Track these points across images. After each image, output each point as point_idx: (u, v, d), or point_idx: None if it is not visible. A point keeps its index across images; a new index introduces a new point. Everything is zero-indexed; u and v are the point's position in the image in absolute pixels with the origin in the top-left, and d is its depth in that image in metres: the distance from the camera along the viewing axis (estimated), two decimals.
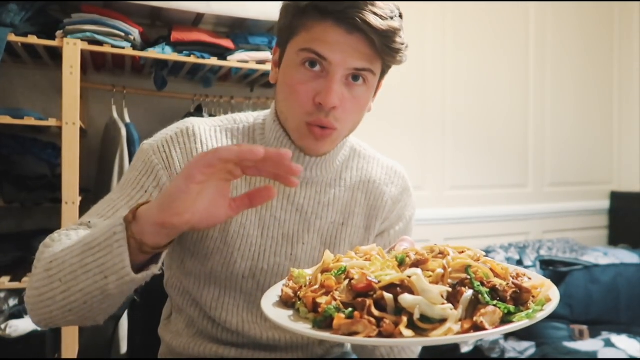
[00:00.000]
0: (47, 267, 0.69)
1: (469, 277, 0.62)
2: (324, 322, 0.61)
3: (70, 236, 0.76)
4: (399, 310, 0.59)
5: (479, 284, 0.61)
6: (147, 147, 0.88)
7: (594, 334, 2.06)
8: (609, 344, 1.97)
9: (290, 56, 0.83)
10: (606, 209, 3.45)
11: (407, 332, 0.56)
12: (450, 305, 0.58)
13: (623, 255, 2.59)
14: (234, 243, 0.88)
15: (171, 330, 0.97)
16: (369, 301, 0.60)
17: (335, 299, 0.62)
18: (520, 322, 0.59)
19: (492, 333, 0.57)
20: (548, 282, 0.66)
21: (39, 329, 1.62)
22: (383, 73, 0.87)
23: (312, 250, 0.92)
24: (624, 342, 1.97)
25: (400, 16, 0.82)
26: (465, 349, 2.10)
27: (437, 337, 0.56)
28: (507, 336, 2.08)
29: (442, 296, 0.59)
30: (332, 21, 0.78)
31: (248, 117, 0.96)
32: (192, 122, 0.90)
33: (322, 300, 0.63)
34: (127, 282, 0.65)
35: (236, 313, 0.91)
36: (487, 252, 2.61)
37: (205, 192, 0.62)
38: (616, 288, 2.23)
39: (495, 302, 0.60)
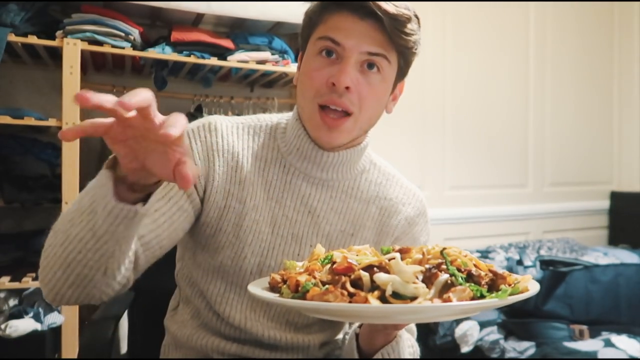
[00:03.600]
0: (54, 228, 0.72)
1: (445, 260, 0.63)
2: (301, 297, 0.63)
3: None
4: (374, 289, 0.61)
5: (454, 268, 0.63)
6: None
7: (594, 334, 2.06)
8: (609, 344, 1.96)
9: (309, 49, 0.87)
10: (606, 209, 3.45)
11: (375, 302, 0.58)
12: (422, 285, 0.60)
13: (623, 255, 2.59)
14: (246, 238, 0.89)
15: (177, 320, 0.98)
16: (344, 278, 0.62)
17: (314, 277, 0.65)
18: (489, 300, 0.60)
19: (458, 306, 0.58)
20: (528, 276, 0.68)
21: (39, 328, 1.62)
22: (401, 70, 0.89)
23: None
24: (624, 342, 1.97)
25: (416, 17, 0.85)
26: (465, 349, 2.10)
27: (400, 305, 0.58)
28: (507, 336, 2.08)
29: (417, 277, 0.61)
30: (347, 10, 0.82)
31: (272, 117, 0.97)
32: (215, 118, 0.92)
33: (303, 278, 0.65)
34: (114, 213, 0.64)
35: (240, 309, 0.92)
36: (487, 252, 2.61)
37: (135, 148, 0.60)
38: (616, 288, 2.23)
39: (468, 284, 0.61)
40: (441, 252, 0.65)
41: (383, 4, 0.80)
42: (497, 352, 2.04)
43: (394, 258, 0.63)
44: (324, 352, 1.00)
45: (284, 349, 0.95)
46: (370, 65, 0.83)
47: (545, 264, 2.33)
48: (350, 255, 0.68)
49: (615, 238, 3.36)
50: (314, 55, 0.85)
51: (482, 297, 0.61)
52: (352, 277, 0.62)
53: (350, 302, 0.59)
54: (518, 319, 2.10)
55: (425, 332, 2.21)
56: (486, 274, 0.64)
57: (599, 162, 3.46)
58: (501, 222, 3.02)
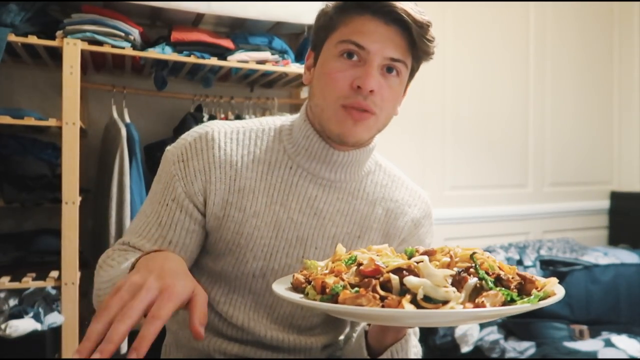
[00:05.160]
0: (97, 294, 0.81)
1: (473, 264, 0.63)
2: (331, 300, 0.62)
3: (114, 261, 0.83)
4: (404, 292, 0.60)
5: (483, 272, 0.62)
6: (169, 155, 0.90)
7: (594, 334, 2.06)
8: (609, 344, 1.96)
9: (328, 50, 0.86)
10: (606, 209, 3.45)
11: (409, 306, 0.58)
12: (453, 289, 0.60)
13: (623, 255, 2.59)
14: (247, 244, 0.89)
15: (178, 320, 0.98)
16: (375, 281, 0.61)
17: (342, 279, 0.64)
18: (522, 305, 0.60)
19: (491, 311, 0.58)
20: (554, 279, 0.67)
21: (39, 328, 1.62)
22: (412, 73, 0.90)
23: (324, 257, 0.92)
24: (624, 342, 1.97)
25: None
26: (465, 349, 2.10)
27: (437, 310, 0.58)
28: (507, 336, 2.08)
29: (447, 280, 0.60)
30: (370, 14, 0.83)
31: (275, 120, 0.97)
32: (212, 126, 0.91)
33: (330, 280, 0.64)
34: None
35: (243, 309, 0.92)
36: (487, 252, 2.59)
37: None
38: (616, 288, 2.23)
39: (498, 288, 0.61)
40: (471, 256, 0.64)
41: (410, 11, 0.81)
42: (497, 352, 2.04)
43: (422, 261, 0.62)
44: (326, 354, 1.00)
45: (286, 350, 0.95)
46: (389, 69, 0.84)
47: (545, 264, 2.33)
48: (372, 254, 0.67)
49: (615, 238, 3.36)
50: (335, 57, 0.84)
51: (512, 301, 0.61)
52: (381, 279, 0.62)
53: (382, 305, 0.59)
54: (518, 319, 2.10)
55: (426, 332, 2.21)
56: (514, 278, 0.63)
57: (599, 162, 3.46)
58: (501, 222, 3.02)
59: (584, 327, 2.08)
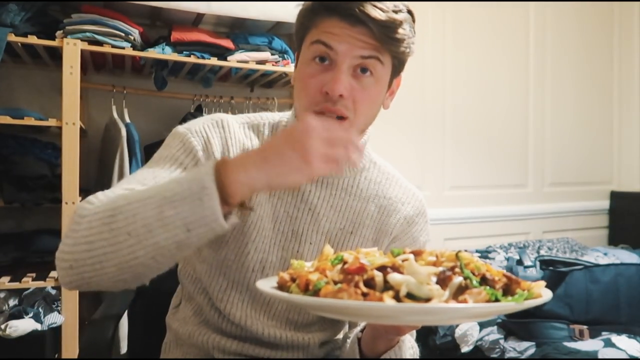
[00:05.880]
0: (108, 221, 0.66)
1: (459, 263, 0.63)
2: (313, 295, 0.62)
3: (124, 194, 0.71)
4: (387, 290, 0.59)
5: (469, 271, 0.62)
6: (183, 130, 0.90)
7: (594, 334, 2.05)
8: (609, 344, 1.96)
9: (303, 53, 0.88)
10: (606, 209, 3.45)
11: (390, 301, 0.57)
12: (437, 287, 0.59)
13: (623, 255, 2.59)
14: (250, 233, 0.90)
15: (179, 318, 0.99)
16: (357, 277, 0.61)
17: (326, 276, 0.64)
18: (505, 304, 0.59)
19: (474, 308, 0.58)
20: (542, 282, 0.67)
21: (39, 328, 1.62)
22: (396, 69, 0.89)
23: (318, 252, 0.93)
24: (624, 342, 1.96)
25: (410, 12, 0.86)
26: (465, 349, 2.10)
27: (417, 305, 0.57)
28: (507, 336, 2.08)
29: (431, 278, 0.60)
30: (338, 16, 0.83)
31: (274, 115, 0.99)
32: (223, 115, 0.94)
33: (314, 277, 0.64)
34: (217, 233, 0.66)
35: (241, 307, 0.93)
36: (487, 252, 2.61)
37: None
38: (616, 288, 2.23)
39: (483, 287, 0.61)
40: (456, 255, 0.64)
41: (371, 11, 0.80)
42: (497, 352, 2.04)
43: (407, 259, 0.62)
44: (324, 352, 1.01)
45: (284, 347, 0.96)
46: (364, 70, 0.84)
47: (545, 264, 2.32)
48: (360, 256, 0.67)
49: (615, 238, 3.36)
50: (308, 60, 0.86)
51: (497, 300, 0.60)
52: (365, 277, 0.61)
53: (364, 300, 0.58)
54: (518, 319, 2.10)
55: (426, 332, 2.21)
56: (500, 279, 0.63)
57: (599, 162, 3.46)
58: (501, 222, 3.02)
59: (584, 327, 2.08)
